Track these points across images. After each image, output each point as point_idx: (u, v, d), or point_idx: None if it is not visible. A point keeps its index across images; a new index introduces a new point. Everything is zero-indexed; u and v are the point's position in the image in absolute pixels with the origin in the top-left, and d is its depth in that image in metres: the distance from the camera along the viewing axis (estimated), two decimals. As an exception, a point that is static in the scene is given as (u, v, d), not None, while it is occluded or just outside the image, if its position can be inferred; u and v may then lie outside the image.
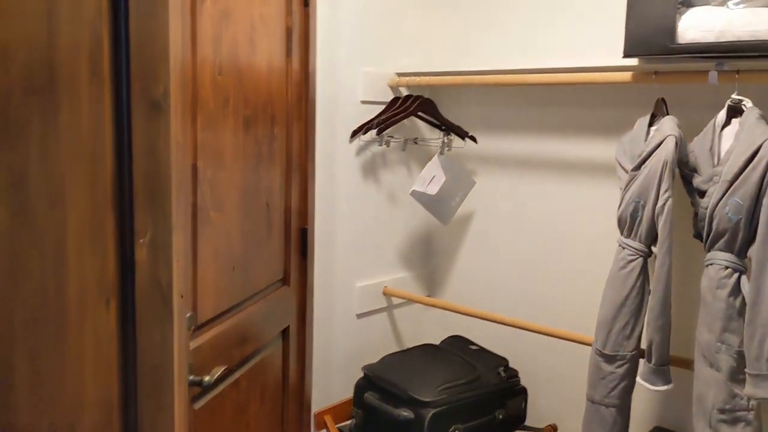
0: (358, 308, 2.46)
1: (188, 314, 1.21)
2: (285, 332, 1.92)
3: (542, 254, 2.38)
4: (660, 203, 1.75)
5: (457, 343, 2.44)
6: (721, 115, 1.76)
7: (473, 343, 2.43)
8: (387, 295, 2.55)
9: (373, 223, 2.48)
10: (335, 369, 2.39)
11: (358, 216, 2.41)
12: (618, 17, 1.81)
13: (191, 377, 1.22)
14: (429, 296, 2.74)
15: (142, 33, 1.01)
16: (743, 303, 1.68)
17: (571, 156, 2.27)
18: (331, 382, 2.38)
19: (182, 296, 1.08)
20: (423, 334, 2.68)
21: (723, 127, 1.77)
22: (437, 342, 2.48)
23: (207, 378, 1.26)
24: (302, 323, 2.05)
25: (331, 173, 2.28)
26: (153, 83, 1.02)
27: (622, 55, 1.82)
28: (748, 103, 1.70)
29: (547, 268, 2.37)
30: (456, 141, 2.44)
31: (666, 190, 1.74)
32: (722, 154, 1.75)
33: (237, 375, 1.56)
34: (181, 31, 1.14)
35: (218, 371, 1.31)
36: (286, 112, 1.82)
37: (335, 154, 2.29)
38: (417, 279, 2.69)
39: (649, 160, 1.80)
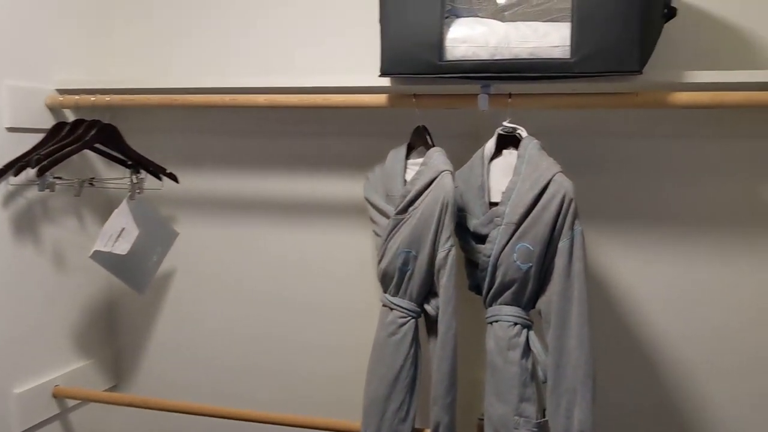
0: (18, 424, 1.69)
1: None
2: None
3: (275, 320, 1.92)
4: (441, 254, 1.43)
5: (167, 451, 1.83)
6: (490, 145, 1.51)
7: (190, 447, 1.85)
8: (59, 397, 1.82)
9: (34, 299, 1.74)
10: None
11: (11, 293, 1.67)
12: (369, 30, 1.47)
13: None
14: (116, 387, 2.06)
15: None
16: (534, 365, 1.43)
17: (313, 196, 1.86)
18: None
19: None
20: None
21: (491, 158, 1.52)
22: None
23: None
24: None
25: (-35, 234, 1.52)
26: None
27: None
28: (522, 132, 1.48)
29: (283, 338, 1.91)
30: (150, 181, 1.84)
31: (448, 238, 1.42)
32: (492, 190, 1.50)
33: None
34: None
35: None
36: None
37: (-31, 206, 1.53)
38: (99, 368, 2.00)
39: (419, 200, 1.47)
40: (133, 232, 1.77)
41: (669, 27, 1.47)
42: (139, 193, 1.83)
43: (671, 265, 1.65)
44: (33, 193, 1.70)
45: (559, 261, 1.38)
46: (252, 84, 1.62)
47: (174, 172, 1.86)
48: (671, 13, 1.44)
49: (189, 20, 1.89)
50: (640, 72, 1.34)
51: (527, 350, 1.43)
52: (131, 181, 1.82)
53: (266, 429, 1.77)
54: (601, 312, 1.70)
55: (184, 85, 1.68)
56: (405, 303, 1.51)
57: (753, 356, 1.64)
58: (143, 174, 1.84)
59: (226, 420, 1.73)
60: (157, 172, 1.84)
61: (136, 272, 1.83)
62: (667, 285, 1.66)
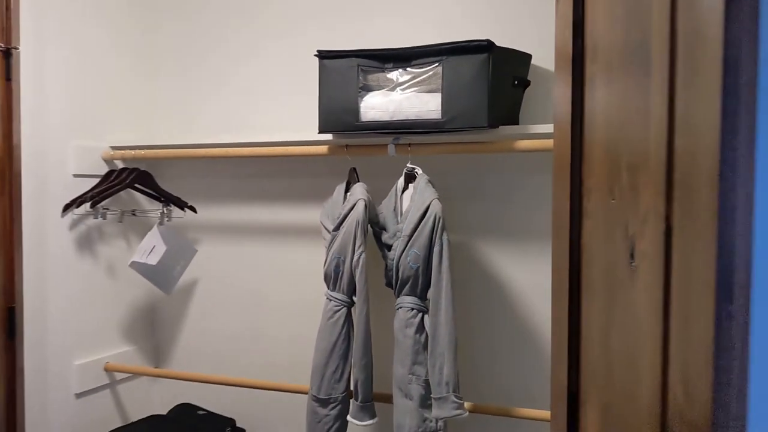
0: (77, 387, 2.37)
1: None
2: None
3: (262, 314, 2.54)
4: (355, 258, 2.01)
5: (184, 411, 2.46)
6: (401, 180, 2.09)
7: (201, 408, 2.47)
8: (109, 371, 2.49)
9: (91, 297, 2.43)
10: (52, 455, 2.27)
11: (74, 291, 2.35)
12: (315, 100, 2.09)
13: None
14: (156, 368, 2.72)
15: None
16: (427, 338, 1.98)
17: (284, 221, 2.48)
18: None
19: None
20: (151, 406, 2.65)
21: (403, 190, 2.10)
22: (165, 412, 2.47)
23: None
24: (11, 414, 1.95)
25: (42, 249, 2.21)
26: None
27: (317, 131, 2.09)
28: (419, 170, 2.05)
29: (266, 326, 2.53)
30: (176, 211, 2.52)
31: (359, 246, 2.00)
32: (403, 213, 2.07)
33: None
34: None
35: None
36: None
37: (46, 229, 2.23)
38: (142, 352, 2.67)
39: (345, 221, 2.06)
40: (161, 249, 2.43)
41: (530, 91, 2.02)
42: (167, 220, 2.51)
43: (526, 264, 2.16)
44: (91, 221, 2.40)
45: (435, 261, 1.93)
46: (238, 140, 2.28)
47: (194, 205, 2.53)
48: (524, 83, 2.00)
49: (196, 97, 2.59)
50: (488, 127, 1.89)
51: (421, 328, 1.97)
52: (162, 211, 2.50)
53: (255, 393, 2.38)
54: (475, 299, 2.22)
55: (194, 142, 2.35)
56: (338, 295, 2.09)
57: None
58: (171, 206, 2.52)
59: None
60: (180, 205, 2.52)
61: (164, 278, 2.49)
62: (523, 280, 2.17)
